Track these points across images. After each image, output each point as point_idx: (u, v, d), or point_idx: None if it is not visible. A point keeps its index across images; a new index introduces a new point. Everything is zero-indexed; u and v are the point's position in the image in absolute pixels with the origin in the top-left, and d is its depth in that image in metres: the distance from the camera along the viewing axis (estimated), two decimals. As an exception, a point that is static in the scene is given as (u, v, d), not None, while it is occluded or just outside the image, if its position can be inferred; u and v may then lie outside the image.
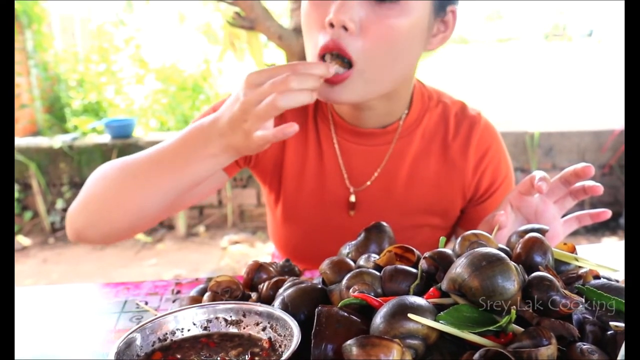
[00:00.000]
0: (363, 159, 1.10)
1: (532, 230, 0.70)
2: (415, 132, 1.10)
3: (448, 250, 0.64)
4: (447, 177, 1.11)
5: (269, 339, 0.58)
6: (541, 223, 0.86)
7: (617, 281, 0.65)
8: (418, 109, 1.10)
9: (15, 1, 5.20)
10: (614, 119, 4.38)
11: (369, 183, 1.10)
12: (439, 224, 1.14)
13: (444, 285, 0.56)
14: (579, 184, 0.90)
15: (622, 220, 4.01)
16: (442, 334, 0.51)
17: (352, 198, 1.10)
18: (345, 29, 0.87)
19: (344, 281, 0.62)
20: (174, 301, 0.87)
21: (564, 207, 0.93)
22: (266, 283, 0.70)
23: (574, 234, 3.08)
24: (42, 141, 4.30)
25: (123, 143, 4.14)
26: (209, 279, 0.89)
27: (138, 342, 0.57)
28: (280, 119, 1.08)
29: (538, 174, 0.86)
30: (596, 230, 4.01)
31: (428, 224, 1.14)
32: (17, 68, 5.58)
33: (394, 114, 1.08)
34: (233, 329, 0.61)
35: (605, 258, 1.00)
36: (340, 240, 1.10)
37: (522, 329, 0.51)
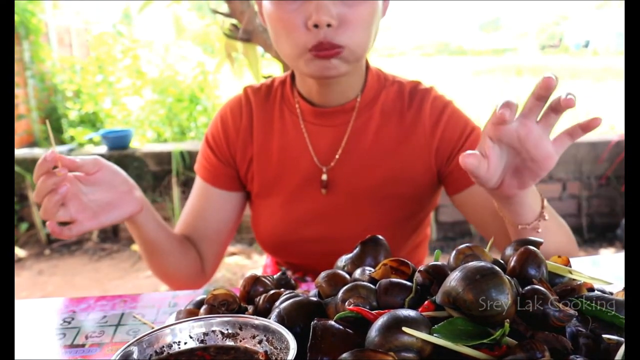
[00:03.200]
0: (328, 138, 1.19)
1: (527, 242, 0.70)
2: (374, 108, 1.19)
3: (442, 263, 0.64)
4: (406, 144, 1.17)
5: (265, 352, 0.58)
6: (527, 147, 0.80)
7: (611, 293, 0.65)
8: (374, 88, 1.20)
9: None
10: (611, 130, 4.39)
11: (335, 161, 1.18)
12: (407, 192, 1.19)
13: (438, 298, 0.57)
14: (554, 98, 0.80)
15: (619, 231, 4.02)
16: (436, 347, 0.52)
17: (324, 177, 1.17)
18: (329, 25, 1.01)
19: (340, 294, 0.63)
20: (170, 314, 0.87)
21: (548, 124, 0.82)
22: (262, 296, 0.70)
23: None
24: (39, 152, 4.30)
25: (120, 154, 4.14)
26: (206, 292, 0.89)
27: (135, 355, 0.57)
28: (249, 113, 1.24)
29: (501, 101, 0.78)
30: (593, 241, 4.01)
31: (397, 194, 1.19)
32: (14, 79, 5.58)
33: (352, 91, 1.18)
34: (229, 342, 0.61)
35: (600, 270, 1.00)
36: (316, 221, 1.19)
37: (516, 342, 0.52)
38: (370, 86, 1.19)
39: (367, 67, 1.21)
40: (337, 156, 1.18)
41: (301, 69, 1.08)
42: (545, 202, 0.95)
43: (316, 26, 1.01)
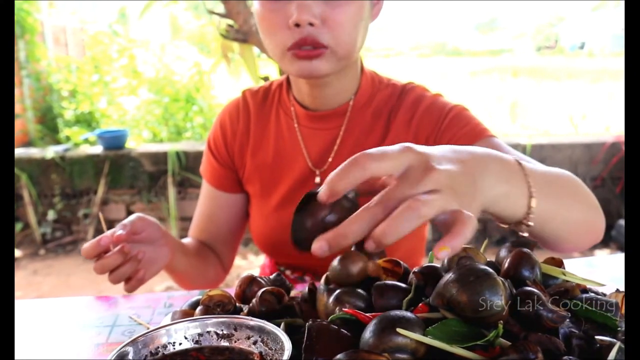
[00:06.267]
0: (321, 141, 1.20)
1: (521, 244, 0.70)
2: (367, 111, 1.19)
3: (437, 264, 0.65)
4: (387, 142, 1.16)
5: (260, 353, 0.58)
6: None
7: (604, 295, 0.65)
8: (368, 91, 1.20)
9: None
10: (606, 132, 4.40)
11: (327, 164, 1.19)
12: None
13: (432, 299, 0.57)
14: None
15: (614, 233, 4.03)
16: (430, 348, 0.52)
17: (317, 180, 1.18)
18: (311, 24, 1.01)
19: (334, 295, 0.63)
20: (166, 315, 0.87)
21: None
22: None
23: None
24: (34, 152, 4.29)
25: (115, 154, 4.14)
26: (202, 292, 0.89)
27: (130, 355, 0.57)
28: (247, 116, 1.25)
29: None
30: (588, 242, 4.01)
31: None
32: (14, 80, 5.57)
33: (345, 94, 1.18)
34: (224, 343, 0.61)
35: (595, 271, 1.01)
36: None
37: (510, 343, 0.52)
38: (364, 89, 1.19)
39: (362, 70, 1.21)
40: (329, 159, 1.18)
41: (287, 68, 1.09)
42: (535, 201, 0.72)
43: (297, 25, 1.01)
